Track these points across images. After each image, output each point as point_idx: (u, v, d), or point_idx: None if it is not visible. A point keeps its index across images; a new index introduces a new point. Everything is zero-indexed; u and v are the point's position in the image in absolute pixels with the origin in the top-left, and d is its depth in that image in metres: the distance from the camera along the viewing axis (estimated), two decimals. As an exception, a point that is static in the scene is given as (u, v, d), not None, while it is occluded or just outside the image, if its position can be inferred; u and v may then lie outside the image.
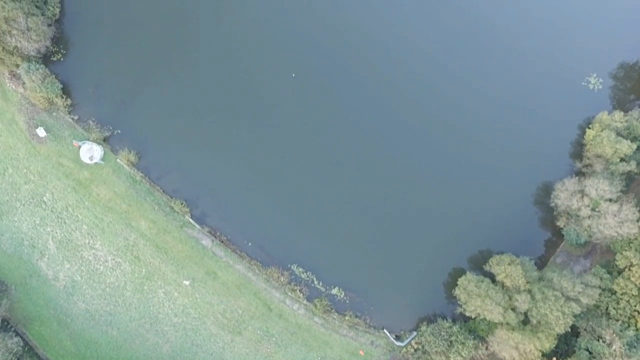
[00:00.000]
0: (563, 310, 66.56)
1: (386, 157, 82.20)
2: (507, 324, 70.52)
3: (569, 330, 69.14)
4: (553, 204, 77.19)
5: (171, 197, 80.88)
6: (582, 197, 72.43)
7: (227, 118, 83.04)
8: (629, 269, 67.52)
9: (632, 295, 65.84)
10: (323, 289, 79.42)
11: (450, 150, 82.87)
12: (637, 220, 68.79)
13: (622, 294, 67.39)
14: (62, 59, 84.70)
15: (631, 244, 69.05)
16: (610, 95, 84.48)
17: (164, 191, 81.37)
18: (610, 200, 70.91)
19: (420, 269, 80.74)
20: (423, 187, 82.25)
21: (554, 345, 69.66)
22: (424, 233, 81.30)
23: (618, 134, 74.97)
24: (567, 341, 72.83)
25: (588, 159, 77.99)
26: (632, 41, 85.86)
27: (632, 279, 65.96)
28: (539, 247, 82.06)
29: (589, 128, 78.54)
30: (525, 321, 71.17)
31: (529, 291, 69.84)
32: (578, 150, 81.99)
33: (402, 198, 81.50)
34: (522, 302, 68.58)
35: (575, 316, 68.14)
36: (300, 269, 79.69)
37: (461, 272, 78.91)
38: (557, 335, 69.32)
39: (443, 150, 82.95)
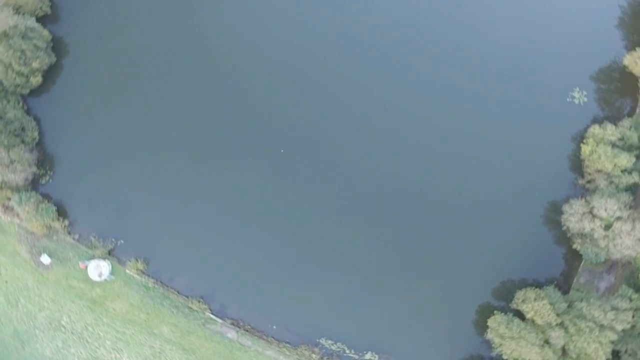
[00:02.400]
0: (600, 340, 66.01)
1: (398, 209, 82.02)
2: (548, 361, 69.87)
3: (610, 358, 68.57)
4: (565, 227, 76.72)
5: (187, 297, 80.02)
6: (593, 218, 71.93)
7: (228, 205, 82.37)
8: (656, 285, 66.98)
9: (665, 311, 65.07)
10: (356, 357, 78.64)
11: (450, 185, 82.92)
12: (653, 235, 68.36)
13: (655, 312, 66.71)
14: (50, 180, 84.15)
15: (652, 260, 68.58)
16: (597, 101, 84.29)
17: (178, 292, 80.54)
18: (621, 218, 70.32)
19: (447, 312, 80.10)
20: (432, 230, 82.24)
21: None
22: (444, 274, 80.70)
23: (614, 146, 74.60)
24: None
25: (589, 174, 77.61)
26: (603, 44, 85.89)
27: (661, 296, 65.37)
28: (559, 266, 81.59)
29: (584, 143, 78.21)
30: (565, 354, 70.49)
31: (562, 324, 69.28)
32: (577, 164, 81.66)
33: (416, 244, 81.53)
34: (557, 338, 68.12)
35: (612, 342, 67.54)
36: (330, 342, 78.82)
37: (488, 308, 78.67)
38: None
39: (447, 188, 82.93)
